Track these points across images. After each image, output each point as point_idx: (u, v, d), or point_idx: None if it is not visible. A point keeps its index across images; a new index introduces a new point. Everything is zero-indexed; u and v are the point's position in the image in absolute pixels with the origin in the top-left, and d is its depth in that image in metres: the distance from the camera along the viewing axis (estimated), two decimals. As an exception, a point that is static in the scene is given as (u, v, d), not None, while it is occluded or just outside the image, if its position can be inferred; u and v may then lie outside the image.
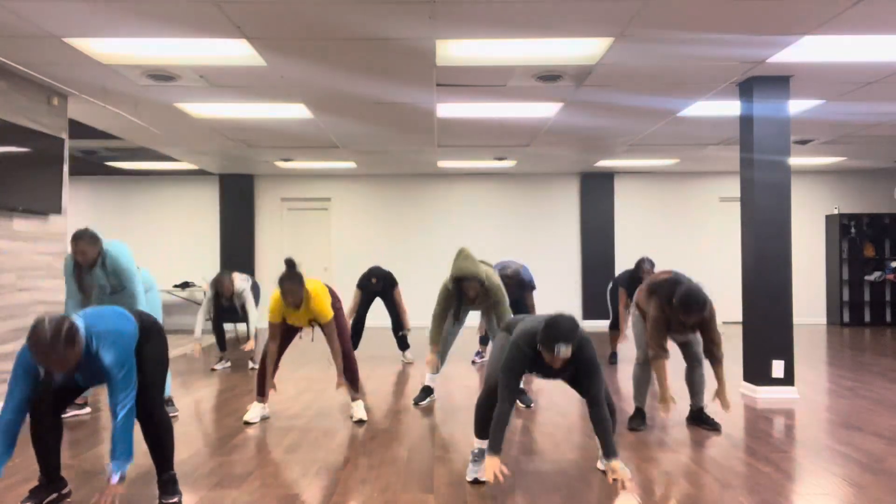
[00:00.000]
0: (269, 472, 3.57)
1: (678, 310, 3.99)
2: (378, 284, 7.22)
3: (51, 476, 3.10)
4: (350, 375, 4.67)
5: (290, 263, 4.34)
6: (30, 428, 3.07)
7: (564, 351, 3.00)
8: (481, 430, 3.46)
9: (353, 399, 4.73)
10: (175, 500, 3.07)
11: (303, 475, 3.53)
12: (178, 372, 6.87)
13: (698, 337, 4.39)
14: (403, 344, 7.37)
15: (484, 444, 3.45)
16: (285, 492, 3.28)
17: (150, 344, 3.10)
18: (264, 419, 4.72)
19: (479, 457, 3.43)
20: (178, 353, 8.25)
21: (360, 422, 4.64)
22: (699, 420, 4.49)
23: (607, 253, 10.92)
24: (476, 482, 3.36)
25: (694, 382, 4.47)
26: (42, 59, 4.87)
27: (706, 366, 4.54)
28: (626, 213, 11.09)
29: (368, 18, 4.13)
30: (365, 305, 7.29)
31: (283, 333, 4.64)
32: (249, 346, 6.59)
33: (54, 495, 3.11)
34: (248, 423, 4.60)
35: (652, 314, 4.23)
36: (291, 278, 4.30)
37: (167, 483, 3.10)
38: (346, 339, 4.67)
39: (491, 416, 3.34)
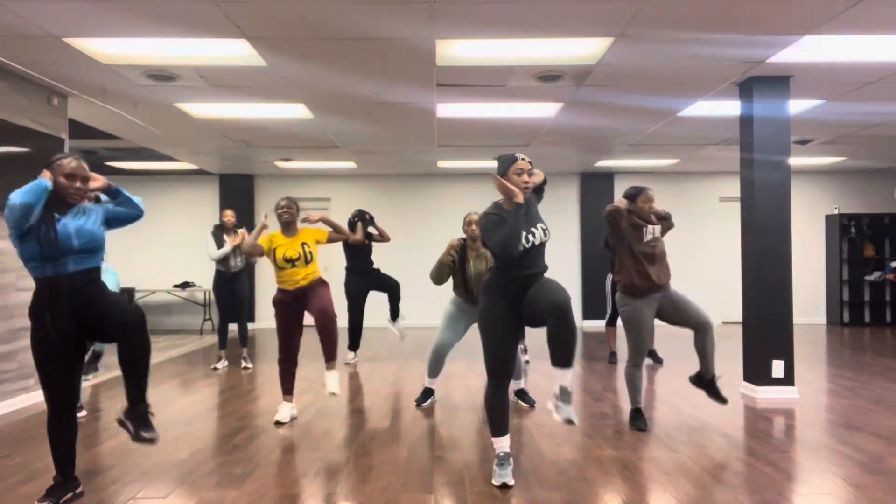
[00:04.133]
0: (269, 472, 3.57)
1: (638, 200, 4.42)
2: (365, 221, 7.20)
3: (65, 474, 3.12)
4: (329, 339, 4.59)
5: (289, 198, 4.82)
6: (47, 425, 3.10)
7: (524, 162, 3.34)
8: (497, 427, 3.43)
9: (329, 368, 4.65)
10: (153, 434, 3.06)
11: (303, 475, 3.53)
12: (178, 372, 6.87)
13: (695, 306, 4.37)
14: (395, 313, 7.35)
15: (504, 442, 3.42)
16: (285, 492, 3.28)
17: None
18: (293, 419, 4.73)
19: (504, 460, 3.38)
20: (179, 353, 8.25)
21: (332, 395, 4.67)
22: (708, 387, 4.43)
23: (607, 253, 10.90)
24: (504, 486, 3.30)
25: (705, 349, 4.32)
26: (42, 59, 4.87)
27: (692, 365, 4.54)
28: (626, 213, 11.08)
29: (368, 18, 4.13)
30: (360, 302, 7.29)
31: (292, 320, 4.63)
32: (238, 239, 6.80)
33: (69, 494, 3.11)
34: (279, 423, 4.60)
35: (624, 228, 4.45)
36: (289, 198, 4.78)
37: (143, 415, 3.06)
38: (332, 308, 4.58)
39: (504, 410, 3.43)
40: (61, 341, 3.02)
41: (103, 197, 3.41)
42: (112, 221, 3.22)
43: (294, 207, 4.74)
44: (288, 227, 4.71)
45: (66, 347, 3.04)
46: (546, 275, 3.41)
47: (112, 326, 3.04)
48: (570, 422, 3.21)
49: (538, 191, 3.55)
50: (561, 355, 3.19)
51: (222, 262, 6.92)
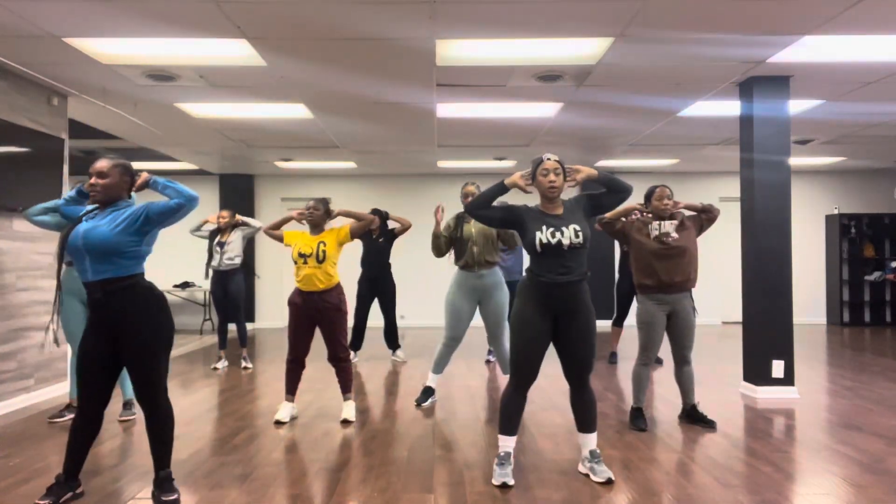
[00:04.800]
0: (269, 472, 3.57)
1: (652, 199, 4.44)
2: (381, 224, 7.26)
3: (70, 473, 3.12)
4: (342, 376, 4.72)
5: (318, 199, 4.82)
6: (72, 421, 3.11)
7: (552, 160, 3.34)
8: (507, 427, 3.43)
9: (346, 399, 4.78)
10: (174, 496, 3.07)
11: (303, 475, 3.53)
12: (178, 372, 6.87)
13: (690, 340, 4.41)
14: (393, 343, 7.38)
15: (509, 442, 3.43)
16: (285, 492, 3.28)
17: (164, 315, 3.08)
18: (293, 419, 4.75)
19: (504, 460, 3.39)
20: (179, 353, 8.25)
21: (346, 422, 4.65)
22: (693, 418, 4.52)
23: (607, 254, 10.91)
24: (504, 486, 3.31)
25: (683, 381, 4.52)
26: (42, 59, 4.87)
27: (694, 364, 4.57)
28: (626, 213, 11.07)
29: (368, 18, 4.13)
30: (366, 304, 7.29)
31: (304, 324, 4.64)
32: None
33: (69, 494, 3.11)
34: (279, 423, 4.62)
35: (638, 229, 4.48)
36: (318, 199, 4.75)
37: (164, 480, 3.09)
38: (344, 343, 4.68)
39: (518, 411, 3.44)
40: (94, 346, 3.02)
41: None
42: (155, 217, 3.01)
43: (321, 209, 4.71)
44: (313, 226, 4.72)
45: (99, 354, 3.02)
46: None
47: (138, 381, 3.04)
48: (610, 480, 3.35)
49: (612, 189, 3.35)
50: (587, 422, 3.48)
51: (209, 256, 6.92)
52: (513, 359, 3.39)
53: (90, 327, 3.05)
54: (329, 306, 4.57)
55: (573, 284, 3.29)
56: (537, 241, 3.25)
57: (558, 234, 3.24)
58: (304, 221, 4.74)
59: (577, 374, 3.40)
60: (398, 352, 7.42)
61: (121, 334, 3.00)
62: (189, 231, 7.10)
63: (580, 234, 3.26)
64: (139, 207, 3.05)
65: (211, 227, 7.01)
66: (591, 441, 3.47)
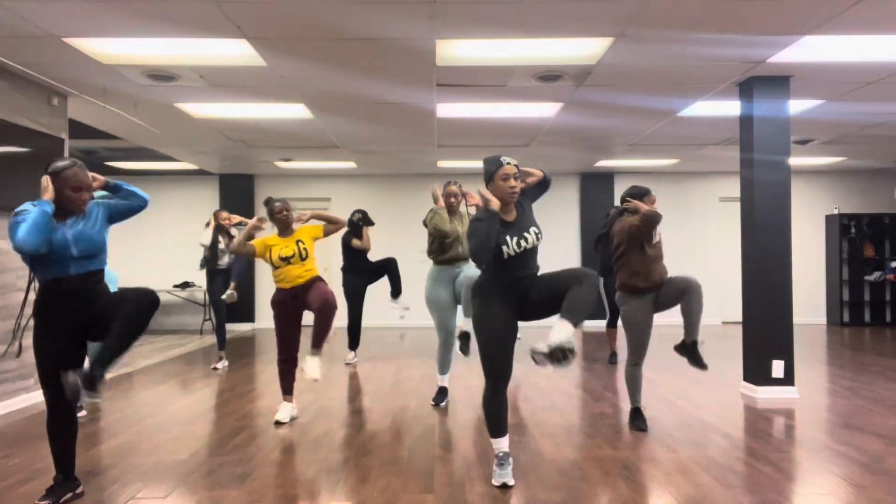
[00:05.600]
0: (269, 472, 3.57)
1: (646, 201, 4.39)
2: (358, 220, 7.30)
3: (65, 473, 3.12)
4: (322, 324, 4.53)
5: (284, 199, 4.80)
6: (47, 423, 3.10)
7: (510, 164, 3.30)
8: (496, 429, 3.42)
9: (312, 354, 4.59)
10: (95, 398, 2.92)
11: (303, 475, 3.53)
12: (178, 372, 6.88)
13: (680, 276, 4.34)
14: (396, 291, 7.31)
15: (503, 443, 3.41)
16: (285, 492, 3.28)
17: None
18: (293, 419, 4.74)
19: (504, 460, 3.38)
20: (179, 353, 8.25)
21: (314, 381, 4.63)
22: (690, 354, 4.31)
23: (607, 254, 10.90)
24: (504, 486, 3.31)
25: (690, 310, 4.24)
26: (42, 59, 4.87)
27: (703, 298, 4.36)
28: (626, 213, 11.06)
29: (368, 18, 4.13)
30: (359, 300, 7.33)
31: (291, 319, 4.63)
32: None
33: (69, 494, 3.12)
34: (279, 423, 4.60)
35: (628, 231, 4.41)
36: (283, 200, 4.77)
37: (94, 380, 2.89)
38: (333, 300, 4.52)
39: (502, 411, 3.42)
40: (61, 341, 3.03)
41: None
42: (116, 217, 3.19)
43: (290, 208, 4.78)
44: (284, 228, 4.73)
45: (67, 348, 3.04)
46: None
47: (116, 316, 3.03)
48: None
49: (542, 186, 3.51)
50: (575, 307, 3.11)
51: (214, 257, 6.93)
52: (484, 360, 3.35)
53: (58, 321, 3.02)
54: (310, 284, 4.58)
55: (532, 276, 3.38)
56: (504, 254, 3.26)
57: (523, 242, 3.30)
58: (274, 226, 4.73)
59: (576, 277, 3.19)
60: (401, 298, 7.26)
61: (94, 317, 3.05)
62: (202, 243, 7.03)
63: (539, 235, 3.38)
64: (101, 207, 3.14)
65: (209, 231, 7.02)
66: (563, 330, 3.04)
